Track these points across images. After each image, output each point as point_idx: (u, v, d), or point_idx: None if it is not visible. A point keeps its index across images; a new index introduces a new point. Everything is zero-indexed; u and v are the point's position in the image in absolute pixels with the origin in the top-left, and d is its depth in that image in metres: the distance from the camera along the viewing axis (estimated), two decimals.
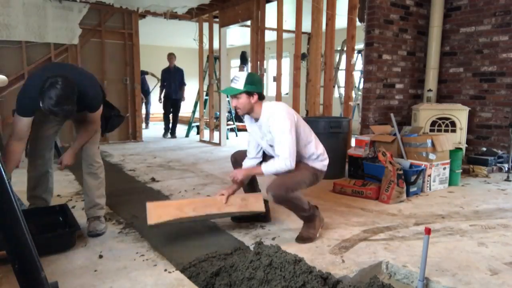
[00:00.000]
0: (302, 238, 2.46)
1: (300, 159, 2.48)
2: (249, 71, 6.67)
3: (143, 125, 9.05)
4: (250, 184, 2.74)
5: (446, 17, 5.12)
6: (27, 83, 2.33)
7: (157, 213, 2.11)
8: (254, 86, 2.37)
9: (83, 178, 2.64)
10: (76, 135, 2.65)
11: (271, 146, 2.43)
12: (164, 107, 7.98)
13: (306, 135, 2.48)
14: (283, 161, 2.30)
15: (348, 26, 4.68)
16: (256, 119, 2.47)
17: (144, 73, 8.82)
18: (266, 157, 2.59)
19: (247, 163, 2.63)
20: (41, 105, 2.10)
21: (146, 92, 9.43)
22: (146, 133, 8.16)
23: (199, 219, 2.27)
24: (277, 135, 2.32)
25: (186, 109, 11.00)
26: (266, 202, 2.67)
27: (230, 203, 2.44)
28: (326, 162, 2.57)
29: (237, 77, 2.39)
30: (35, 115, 2.38)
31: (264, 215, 2.71)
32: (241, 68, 9.92)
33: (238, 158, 2.75)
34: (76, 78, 2.23)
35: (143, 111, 9.28)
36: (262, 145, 2.57)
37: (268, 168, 2.36)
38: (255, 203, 2.55)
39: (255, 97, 2.38)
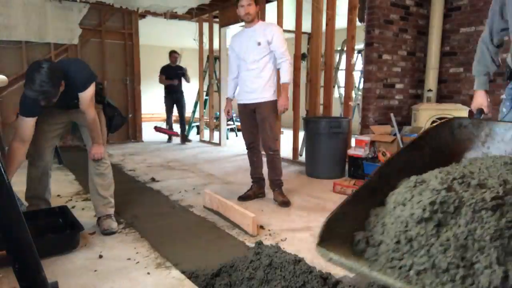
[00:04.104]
0: (285, 202, 3.10)
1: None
2: None
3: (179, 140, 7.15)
4: (258, 183, 3.40)
5: (446, 17, 5.11)
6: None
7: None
8: None
9: (90, 179, 2.62)
10: (85, 138, 2.65)
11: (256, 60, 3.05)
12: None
13: None
14: (289, 62, 3.06)
15: (348, 26, 4.67)
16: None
17: (178, 68, 6.92)
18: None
19: (233, 83, 3.32)
20: (24, 91, 2.13)
21: (179, 92, 7.05)
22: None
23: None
24: (280, 44, 3.04)
25: (186, 109, 10.96)
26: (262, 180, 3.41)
27: (231, 215, 2.76)
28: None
29: None
30: (40, 116, 2.38)
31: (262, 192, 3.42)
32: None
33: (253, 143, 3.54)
34: (62, 62, 2.30)
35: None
36: (246, 61, 3.09)
37: (287, 78, 3.05)
38: (246, 225, 2.57)
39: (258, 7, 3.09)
